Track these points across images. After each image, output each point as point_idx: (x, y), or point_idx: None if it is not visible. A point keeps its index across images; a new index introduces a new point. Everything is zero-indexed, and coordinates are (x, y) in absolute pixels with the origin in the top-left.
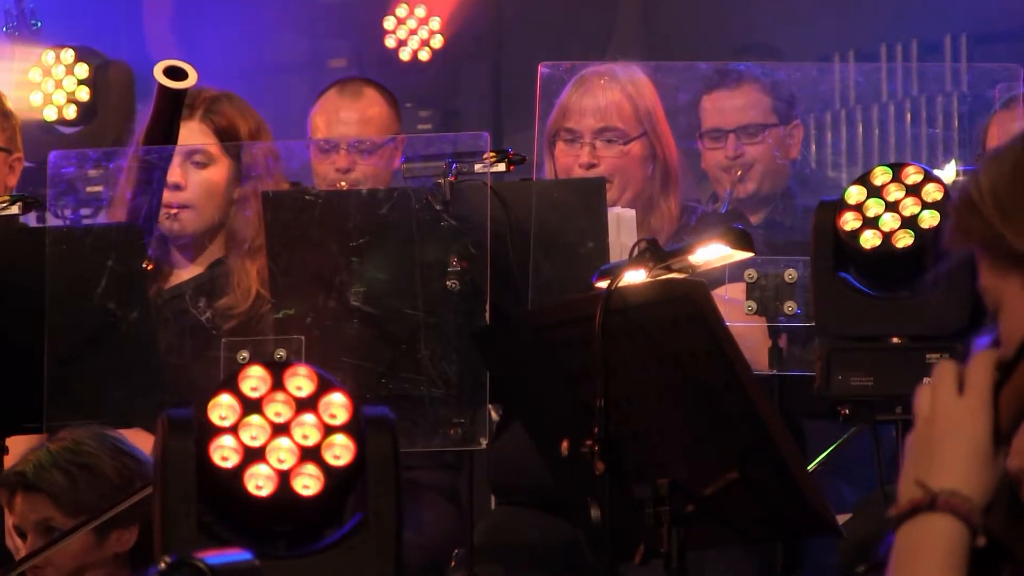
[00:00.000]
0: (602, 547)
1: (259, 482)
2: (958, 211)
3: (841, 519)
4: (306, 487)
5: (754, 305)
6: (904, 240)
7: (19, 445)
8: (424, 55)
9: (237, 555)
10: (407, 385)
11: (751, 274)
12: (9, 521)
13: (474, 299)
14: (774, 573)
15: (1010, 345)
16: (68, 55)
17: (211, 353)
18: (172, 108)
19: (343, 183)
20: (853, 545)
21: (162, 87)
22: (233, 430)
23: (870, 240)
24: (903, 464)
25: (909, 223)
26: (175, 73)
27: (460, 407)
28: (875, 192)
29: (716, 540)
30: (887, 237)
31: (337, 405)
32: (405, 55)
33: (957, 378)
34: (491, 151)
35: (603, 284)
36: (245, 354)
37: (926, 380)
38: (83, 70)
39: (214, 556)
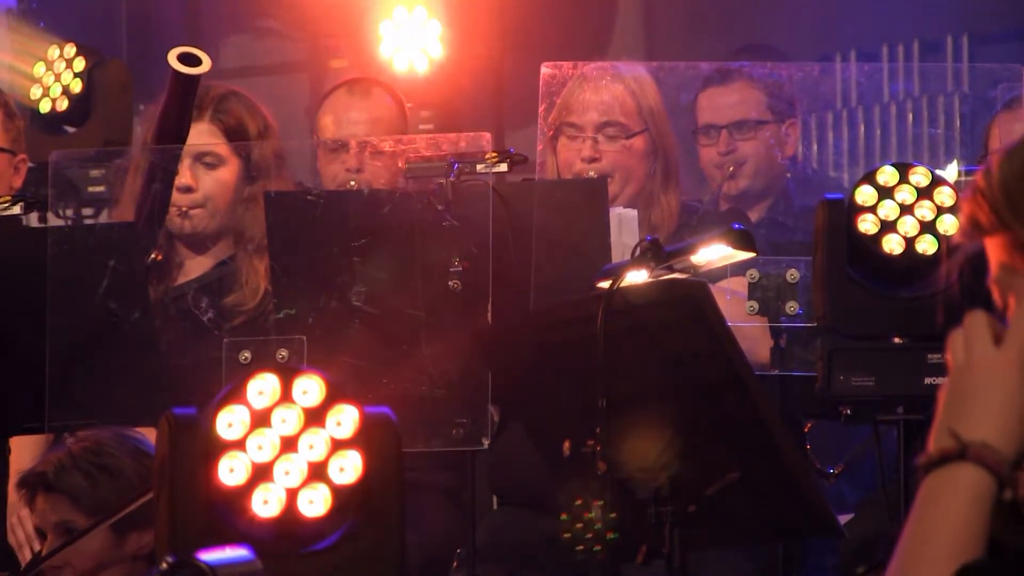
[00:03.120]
0: (602, 548)
1: (266, 498)
2: (970, 204)
3: (842, 519)
4: (311, 502)
5: (756, 305)
6: (927, 247)
7: (21, 445)
8: (422, 65)
9: (238, 555)
10: (408, 385)
11: (753, 274)
12: (12, 516)
13: (476, 299)
14: (775, 573)
15: None
16: (70, 50)
17: (213, 353)
18: (185, 94)
19: (353, 183)
20: (854, 545)
21: (176, 73)
22: (241, 444)
23: (891, 245)
24: (937, 412)
25: (928, 228)
26: (188, 60)
27: (462, 407)
28: (886, 193)
29: (717, 540)
30: (910, 243)
31: (345, 416)
32: (402, 64)
33: (991, 328)
34: (493, 151)
35: (605, 284)
36: (247, 354)
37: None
38: (80, 64)
39: (215, 556)
